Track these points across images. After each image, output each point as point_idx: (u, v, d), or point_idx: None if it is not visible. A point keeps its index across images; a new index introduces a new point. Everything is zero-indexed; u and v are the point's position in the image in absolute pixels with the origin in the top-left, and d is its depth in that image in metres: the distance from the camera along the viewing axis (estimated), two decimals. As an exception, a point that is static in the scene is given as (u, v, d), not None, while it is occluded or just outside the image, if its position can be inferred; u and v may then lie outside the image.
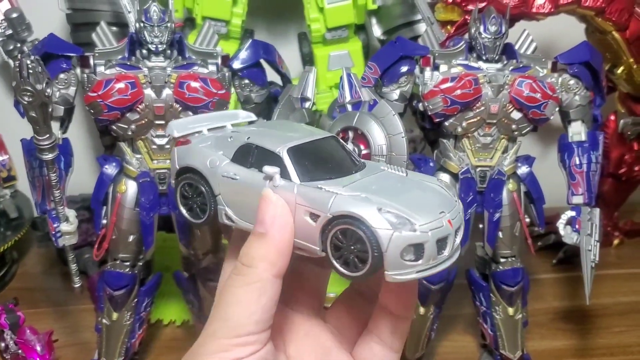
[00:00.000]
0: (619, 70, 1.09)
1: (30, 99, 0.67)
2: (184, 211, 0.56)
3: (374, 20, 1.13)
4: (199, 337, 0.46)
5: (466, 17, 0.95)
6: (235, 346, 0.44)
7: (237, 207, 0.51)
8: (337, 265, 0.47)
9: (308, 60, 1.11)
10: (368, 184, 0.49)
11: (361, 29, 1.13)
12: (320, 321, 0.54)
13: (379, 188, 0.48)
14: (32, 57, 0.67)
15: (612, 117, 1.21)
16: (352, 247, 0.46)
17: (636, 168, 1.23)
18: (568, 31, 1.08)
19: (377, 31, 1.13)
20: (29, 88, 0.67)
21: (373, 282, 0.49)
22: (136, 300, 0.88)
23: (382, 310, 0.50)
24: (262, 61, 0.88)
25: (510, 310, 0.90)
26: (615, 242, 1.30)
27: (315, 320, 0.53)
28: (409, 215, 0.45)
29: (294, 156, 0.50)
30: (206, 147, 0.54)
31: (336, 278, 0.90)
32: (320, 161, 0.51)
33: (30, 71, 0.66)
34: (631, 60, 1.07)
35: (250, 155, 0.51)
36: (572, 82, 0.85)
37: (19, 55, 0.68)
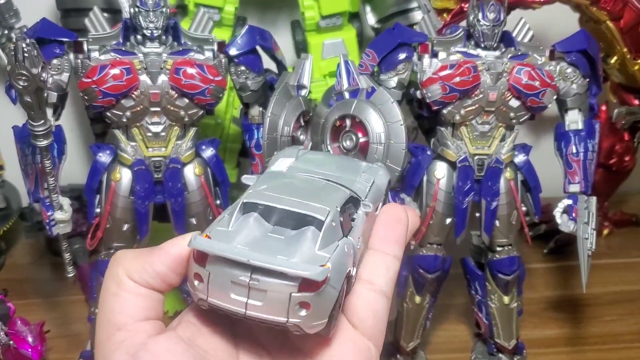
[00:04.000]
0: (612, 60, 1.09)
1: (26, 84, 0.66)
2: None
3: (368, 8, 1.12)
4: None
5: (462, 4, 0.95)
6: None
7: None
8: None
9: (301, 48, 1.10)
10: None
11: (355, 17, 1.12)
12: None
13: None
14: (28, 41, 0.65)
15: (604, 108, 1.21)
16: None
17: (626, 158, 1.24)
18: (562, 20, 1.08)
19: (371, 19, 1.12)
20: (25, 72, 0.65)
21: None
22: (130, 290, 0.86)
23: (374, 252, 0.50)
24: (257, 48, 0.87)
25: (506, 299, 0.90)
26: (605, 232, 1.30)
27: None
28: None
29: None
30: None
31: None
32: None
33: (26, 55, 0.65)
34: (625, 49, 1.07)
35: None
36: (569, 70, 0.85)
37: (15, 38, 0.66)
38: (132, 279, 0.46)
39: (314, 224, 0.45)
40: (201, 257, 0.44)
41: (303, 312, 0.42)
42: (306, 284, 0.42)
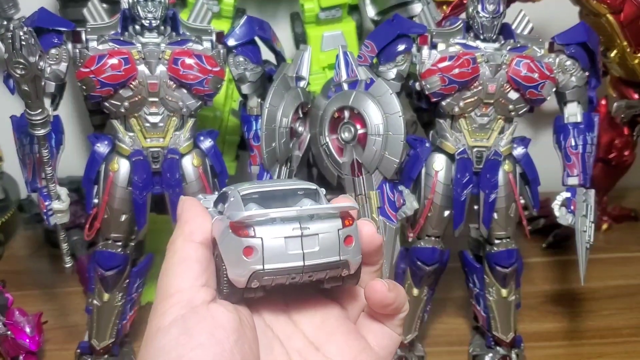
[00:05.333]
0: (612, 54, 1.09)
1: (23, 72, 0.66)
2: None
3: (367, 1, 1.12)
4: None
5: (462, -3, 0.94)
6: (167, 309, 0.46)
7: None
8: None
9: (301, 40, 1.10)
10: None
11: (355, 9, 1.12)
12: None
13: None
14: (25, 29, 0.65)
15: (603, 102, 1.21)
16: None
17: (626, 153, 1.24)
18: (562, 13, 1.08)
19: (370, 11, 1.12)
20: (22, 60, 0.65)
21: None
22: (128, 281, 0.86)
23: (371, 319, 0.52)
24: (256, 39, 0.87)
25: (504, 292, 0.90)
26: (604, 226, 1.30)
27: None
28: None
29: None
30: None
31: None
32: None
33: (23, 43, 0.65)
34: (625, 43, 1.07)
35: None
36: (568, 62, 0.85)
37: (11, 26, 0.66)
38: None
39: (309, 196, 0.49)
40: (244, 229, 0.45)
41: (349, 247, 0.47)
42: (346, 219, 0.47)
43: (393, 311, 0.50)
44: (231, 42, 0.84)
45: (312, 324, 0.50)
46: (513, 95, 0.83)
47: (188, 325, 0.44)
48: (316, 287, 0.49)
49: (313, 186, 0.49)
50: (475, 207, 0.88)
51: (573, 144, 0.86)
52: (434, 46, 0.83)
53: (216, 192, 0.54)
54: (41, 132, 0.73)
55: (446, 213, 0.87)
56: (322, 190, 0.50)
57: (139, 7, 0.78)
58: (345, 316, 0.51)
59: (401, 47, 0.84)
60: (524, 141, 0.88)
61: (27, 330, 0.88)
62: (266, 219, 0.45)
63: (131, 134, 0.81)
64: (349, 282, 0.49)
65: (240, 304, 0.48)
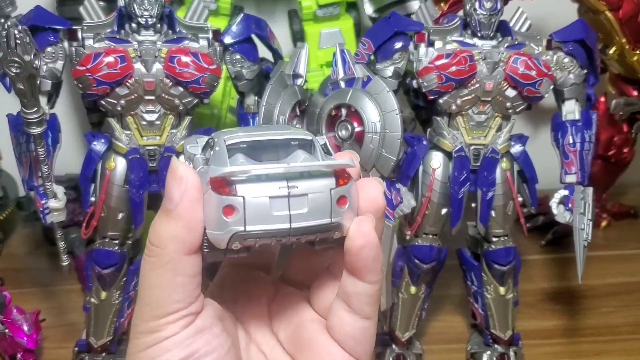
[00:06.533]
0: (611, 51, 1.09)
1: (18, 71, 0.66)
2: None
3: (365, -2, 1.12)
4: (133, 318, 0.45)
5: (460, -6, 0.94)
6: (166, 324, 0.43)
7: None
8: None
9: (298, 38, 1.10)
10: None
11: (352, 6, 1.11)
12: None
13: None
14: (20, 27, 0.65)
15: (602, 99, 1.20)
16: None
17: (625, 150, 1.24)
18: (561, 10, 1.07)
19: (368, 9, 1.11)
20: (17, 59, 0.65)
21: (343, 262, 0.46)
22: (125, 279, 0.86)
23: (348, 277, 0.46)
24: (253, 37, 0.87)
25: (502, 290, 0.90)
26: (603, 224, 1.30)
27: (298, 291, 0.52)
28: None
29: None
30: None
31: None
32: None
33: (18, 41, 0.64)
34: (624, 40, 1.06)
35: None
36: (566, 60, 0.85)
37: (7, 25, 0.66)
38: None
39: (304, 148, 0.44)
40: (225, 187, 0.41)
41: (342, 209, 0.42)
42: (341, 177, 0.42)
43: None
44: (228, 39, 0.83)
45: (286, 334, 0.49)
46: (511, 92, 0.82)
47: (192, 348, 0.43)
48: (301, 289, 0.47)
49: (309, 136, 0.44)
50: (473, 204, 0.88)
51: (571, 141, 0.86)
52: (431, 44, 0.83)
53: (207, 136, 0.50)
54: (37, 130, 0.73)
55: (444, 211, 0.87)
56: (321, 139, 0.45)
57: (135, 5, 0.78)
58: (320, 323, 0.49)
59: (398, 45, 0.83)
60: (521, 139, 0.88)
61: (25, 328, 0.88)
62: (250, 176, 0.41)
63: (127, 132, 0.81)
64: (342, 245, 0.44)
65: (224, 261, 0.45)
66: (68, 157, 0.88)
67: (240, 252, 0.43)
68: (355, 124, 0.80)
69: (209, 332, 0.44)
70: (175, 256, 0.42)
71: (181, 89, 0.79)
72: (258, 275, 0.52)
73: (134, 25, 0.79)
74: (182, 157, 0.46)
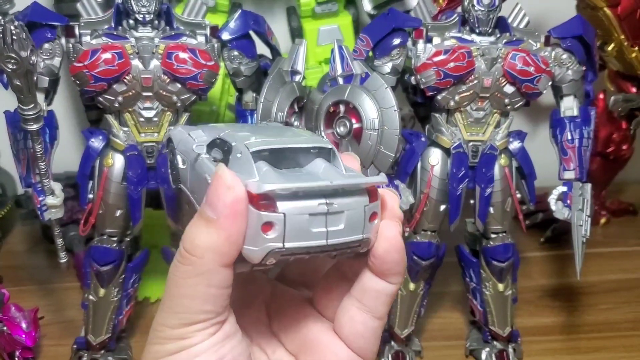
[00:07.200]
0: (610, 48, 1.09)
1: (15, 67, 0.65)
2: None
3: (364, -6, 1.12)
4: (154, 323, 0.44)
5: (458, -9, 0.94)
6: (195, 332, 0.43)
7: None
8: None
9: (297, 35, 1.10)
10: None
11: (351, 3, 1.11)
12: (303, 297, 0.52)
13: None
14: (16, 23, 0.65)
15: (601, 96, 1.20)
16: None
17: (624, 147, 1.24)
18: (559, 6, 1.07)
19: (367, 5, 1.11)
20: (13, 55, 0.65)
21: (357, 264, 0.46)
22: (123, 276, 0.86)
23: (370, 275, 0.46)
24: (251, 33, 0.87)
25: (500, 287, 0.90)
26: (602, 221, 1.30)
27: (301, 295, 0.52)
28: None
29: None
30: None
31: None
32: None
33: (15, 37, 0.64)
34: (622, 37, 1.06)
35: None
36: (565, 56, 0.85)
37: (3, 21, 0.66)
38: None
39: (323, 156, 0.44)
40: (264, 201, 0.40)
41: (372, 224, 0.43)
42: (372, 193, 0.43)
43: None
44: (225, 36, 0.83)
45: (288, 335, 0.49)
46: (509, 89, 0.82)
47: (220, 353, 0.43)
48: (296, 287, 0.47)
49: (328, 145, 0.44)
50: (471, 201, 0.87)
51: (569, 137, 0.86)
52: (429, 40, 0.83)
53: (200, 130, 0.48)
54: (34, 127, 0.73)
55: (442, 207, 0.87)
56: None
57: (132, 2, 0.78)
58: (323, 322, 0.49)
59: (396, 41, 0.83)
60: (520, 135, 0.87)
61: (24, 325, 0.88)
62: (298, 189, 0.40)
63: (125, 128, 0.81)
64: (360, 255, 0.45)
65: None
66: (66, 155, 0.88)
67: (270, 266, 0.42)
68: (354, 121, 0.80)
69: (234, 337, 0.44)
70: (212, 267, 0.41)
71: (179, 85, 0.79)
72: (252, 274, 0.52)
73: (131, 21, 0.79)
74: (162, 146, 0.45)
